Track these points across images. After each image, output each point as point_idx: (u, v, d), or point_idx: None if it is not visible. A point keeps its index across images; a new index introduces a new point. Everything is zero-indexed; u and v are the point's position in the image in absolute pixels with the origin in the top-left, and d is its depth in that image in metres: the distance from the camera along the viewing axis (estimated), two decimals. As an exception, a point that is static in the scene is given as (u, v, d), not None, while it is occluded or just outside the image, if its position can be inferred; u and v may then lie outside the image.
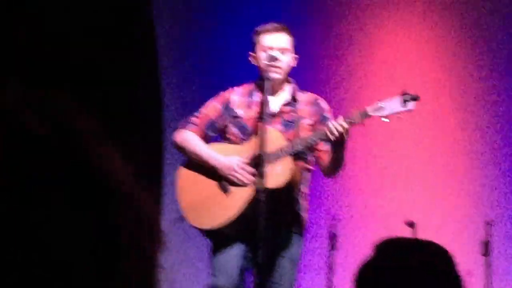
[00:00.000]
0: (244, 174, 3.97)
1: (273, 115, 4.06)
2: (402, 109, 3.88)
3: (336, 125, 3.81)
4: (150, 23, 5.90)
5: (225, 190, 4.03)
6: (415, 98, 3.87)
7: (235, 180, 3.98)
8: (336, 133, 3.81)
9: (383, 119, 3.89)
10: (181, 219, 4.09)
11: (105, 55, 5.33)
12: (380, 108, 3.89)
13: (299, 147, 3.95)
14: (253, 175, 3.96)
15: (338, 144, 3.90)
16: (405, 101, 3.86)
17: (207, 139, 4.16)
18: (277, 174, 3.90)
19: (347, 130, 3.82)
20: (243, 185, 3.98)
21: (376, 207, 5.68)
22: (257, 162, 3.92)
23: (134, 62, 5.64)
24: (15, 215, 0.88)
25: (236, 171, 3.98)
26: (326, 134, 3.84)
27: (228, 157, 4.02)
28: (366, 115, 3.87)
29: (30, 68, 5.07)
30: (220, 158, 4.02)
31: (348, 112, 3.93)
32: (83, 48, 5.22)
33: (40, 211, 0.87)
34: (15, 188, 0.87)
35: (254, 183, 3.92)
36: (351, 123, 3.85)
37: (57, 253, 0.88)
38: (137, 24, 5.77)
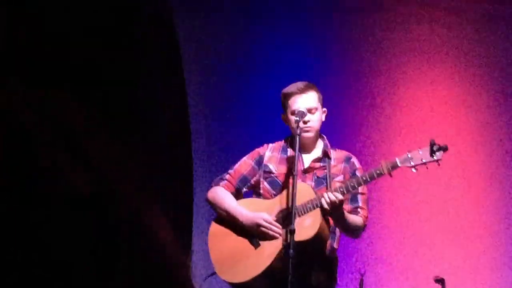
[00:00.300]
0: (271, 228, 4.01)
1: (305, 172, 4.12)
2: (431, 159, 3.90)
3: (330, 195, 3.88)
4: (179, 66, 5.92)
5: (255, 246, 4.06)
6: (443, 149, 3.90)
7: (263, 234, 4.02)
8: (327, 203, 3.88)
9: (412, 169, 3.93)
10: (213, 274, 4.14)
11: (105, 55, 5.32)
12: (409, 159, 3.93)
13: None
14: (280, 229, 4.00)
15: (335, 215, 3.96)
16: (433, 151, 3.89)
17: (240, 195, 4.22)
18: (306, 227, 3.93)
19: (341, 201, 3.89)
20: (271, 239, 4.01)
21: (404, 263, 5.61)
22: (286, 216, 3.99)
23: (134, 62, 5.63)
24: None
25: (263, 226, 4.02)
26: (320, 203, 3.91)
27: (256, 213, 4.06)
28: (395, 166, 3.91)
29: (30, 68, 5.09)
30: (248, 214, 4.08)
31: (373, 165, 3.98)
32: (83, 48, 5.22)
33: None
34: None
35: (282, 237, 3.97)
36: (379, 175, 3.91)
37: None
38: (137, 24, 5.76)
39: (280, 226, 4.00)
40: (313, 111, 4.12)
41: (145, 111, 5.71)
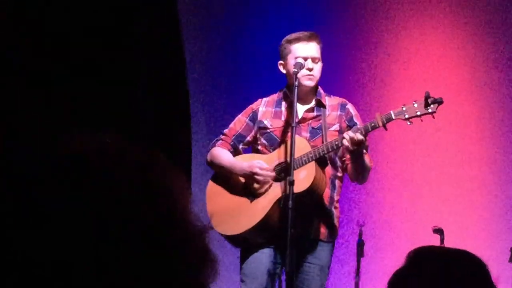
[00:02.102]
0: (265, 173, 4.04)
1: (299, 122, 4.13)
2: (425, 111, 3.93)
3: (352, 135, 3.86)
4: (177, 31, 5.91)
5: (251, 200, 4.09)
6: (438, 101, 3.92)
7: (257, 180, 4.06)
8: (350, 145, 3.86)
9: (407, 122, 3.95)
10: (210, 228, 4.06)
11: (105, 55, 5.34)
12: (403, 112, 3.95)
13: (321, 153, 3.99)
14: (273, 175, 4.04)
15: (355, 154, 3.96)
16: (428, 104, 3.91)
17: (238, 152, 4.26)
18: (301, 179, 3.93)
19: (362, 141, 3.87)
20: (266, 189, 4.04)
21: (403, 214, 5.66)
22: (283, 169, 4.02)
23: (134, 62, 5.66)
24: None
25: (257, 173, 4.05)
26: (342, 142, 3.90)
27: (251, 161, 4.10)
28: (389, 119, 3.92)
29: (31, 68, 5.09)
30: (243, 164, 4.11)
31: (371, 117, 4.00)
32: (83, 48, 5.23)
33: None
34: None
35: (280, 189, 4.00)
36: (374, 128, 3.91)
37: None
38: (137, 24, 5.77)
39: (274, 173, 4.03)
40: (316, 60, 4.14)
41: (145, 111, 5.73)
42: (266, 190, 4.05)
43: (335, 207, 4.16)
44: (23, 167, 0.88)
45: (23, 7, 5.16)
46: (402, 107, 3.94)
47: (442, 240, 4.55)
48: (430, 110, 3.90)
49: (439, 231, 4.59)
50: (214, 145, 4.28)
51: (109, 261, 0.85)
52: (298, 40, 4.14)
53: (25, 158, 0.89)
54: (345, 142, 3.85)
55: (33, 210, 0.85)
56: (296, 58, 4.10)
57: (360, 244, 4.63)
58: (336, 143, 3.93)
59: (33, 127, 4.80)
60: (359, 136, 3.84)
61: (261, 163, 4.07)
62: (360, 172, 4.07)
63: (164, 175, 0.94)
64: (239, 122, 4.27)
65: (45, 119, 4.92)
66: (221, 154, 4.21)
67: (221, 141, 4.26)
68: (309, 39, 4.14)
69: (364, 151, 4.03)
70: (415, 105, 3.93)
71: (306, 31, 4.19)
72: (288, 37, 4.19)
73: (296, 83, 4.00)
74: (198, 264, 0.94)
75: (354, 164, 4.04)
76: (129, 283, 0.86)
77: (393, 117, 3.92)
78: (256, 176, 4.05)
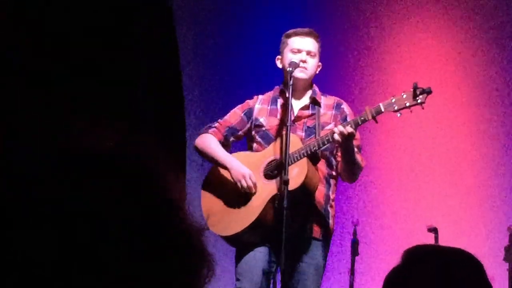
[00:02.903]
0: (250, 184, 4.01)
1: (294, 121, 4.12)
2: (414, 102, 3.89)
3: (342, 129, 3.83)
4: (171, 28, 5.92)
5: (244, 198, 4.06)
6: (427, 91, 3.88)
7: (240, 187, 4.03)
8: (340, 138, 3.84)
9: (397, 114, 3.92)
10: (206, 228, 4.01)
11: (105, 55, 5.33)
12: (393, 104, 3.91)
13: (313, 149, 3.96)
14: (269, 175, 4.04)
15: (346, 149, 3.94)
16: (417, 94, 3.87)
17: (228, 144, 4.23)
18: (294, 177, 3.90)
19: (352, 133, 3.86)
20: (248, 192, 4.02)
21: (397, 213, 5.65)
22: (276, 167, 4.00)
23: (134, 62, 5.64)
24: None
25: (245, 181, 4.02)
26: (332, 136, 3.87)
27: (244, 167, 4.06)
28: (379, 111, 3.89)
29: (31, 68, 5.05)
30: (236, 163, 4.08)
31: (361, 110, 3.97)
32: (83, 48, 5.21)
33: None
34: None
35: (273, 187, 3.98)
36: (364, 121, 3.88)
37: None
38: (137, 24, 5.76)
39: (254, 190, 4.01)
40: (312, 54, 4.13)
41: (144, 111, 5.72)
42: (256, 190, 4.03)
43: (331, 206, 4.13)
44: (23, 167, 0.88)
45: (23, 7, 5.14)
46: (391, 99, 3.91)
47: (436, 239, 4.54)
48: (419, 101, 3.87)
49: (433, 230, 4.58)
50: (206, 131, 4.23)
51: (109, 261, 0.85)
52: (295, 34, 4.17)
53: (25, 158, 0.89)
54: (336, 136, 3.83)
55: (33, 210, 0.85)
56: (291, 50, 4.11)
57: (355, 243, 4.63)
58: (327, 138, 3.91)
59: (33, 127, 4.80)
60: (349, 129, 3.82)
61: (252, 175, 4.03)
62: (350, 169, 4.03)
63: (163, 175, 0.95)
64: (234, 115, 4.24)
65: (45, 119, 4.92)
66: (213, 143, 4.17)
67: (215, 129, 4.21)
68: (306, 34, 4.16)
69: (356, 150, 4.02)
70: (404, 96, 3.89)
71: (306, 28, 4.22)
72: (288, 31, 4.22)
73: (291, 82, 3.99)
74: (196, 264, 0.95)
75: (345, 160, 4.00)
76: (129, 283, 0.86)
77: (382, 110, 3.89)
78: (243, 182, 4.02)
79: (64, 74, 5.09)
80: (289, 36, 4.18)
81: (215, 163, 4.16)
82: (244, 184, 4.00)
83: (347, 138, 3.85)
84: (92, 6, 5.33)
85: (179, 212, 0.94)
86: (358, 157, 4.04)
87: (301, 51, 4.11)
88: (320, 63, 4.21)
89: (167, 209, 0.93)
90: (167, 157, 1.00)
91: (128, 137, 1.01)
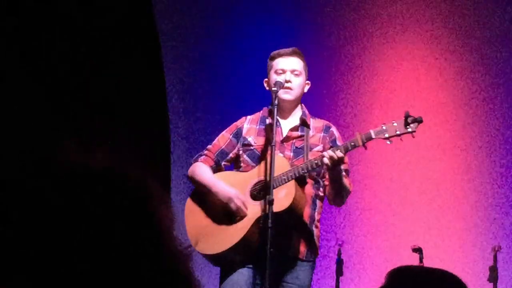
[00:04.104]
0: (241, 206, 4.02)
1: (283, 141, 4.14)
2: (405, 130, 3.90)
3: (332, 154, 3.85)
4: (155, 39, 5.93)
5: (229, 218, 4.06)
6: (418, 120, 3.90)
7: (232, 209, 4.04)
8: (330, 162, 3.85)
9: (387, 141, 3.93)
10: (189, 246, 4.01)
11: (105, 55, 5.35)
12: (383, 131, 3.93)
13: (301, 171, 3.98)
14: (255, 196, 4.04)
15: (334, 173, 3.96)
16: (408, 123, 3.89)
17: (221, 169, 4.24)
18: (281, 198, 3.92)
19: (342, 158, 3.88)
20: (240, 215, 4.03)
21: (381, 233, 5.67)
22: (262, 188, 4.01)
23: (134, 62, 5.63)
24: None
25: (234, 203, 4.02)
26: (322, 160, 3.88)
27: (231, 188, 4.07)
28: (369, 138, 3.92)
29: (32, 68, 5.12)
30: (222, 186, 4.09)
31: (351, 136, 4.00)
32: (83, 48, 5.26)
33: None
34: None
35: (259, 208, 3.98)
36: (354, 147, 3.90)
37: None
38: (137, 24, 5.78)
39: (246, 211, 4.01)
40: (296, 73, 4.15)
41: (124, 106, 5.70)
42: (244, 214, 4.02)
43: (316, 226, 4.13)
44: (23, 170, 0.90)
45: (23, 7, 5.18)
46: (382, 126, 3.93)
47: (421, 259, 4.55)
48: (410, 129, 3.89)
49: (418, 250, 4.59)
50: (197, 160, 4.25)
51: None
52: (279, 55, 4.19)
53: (25, 163, 0.91)
54: (325, 160, 3.84)
55: (32, 212, 0.87)
56: (276, 71, 4.13)
57: (339, 263, 4.64)
58: (316, 162, 3.92)
59: (33, 127, 4.81)
60: (339, 154, 3.84)
61: (240, 195, 4.04)
62: (338, 193, 4.04)
63: (150, 196, 0.96)
64: (223, 138, 4.25)
65: (45, 119, 4.94)
66: (202, 171, 4.18)
67: (204, 156, 4.23)
68: (290, 54, 4.19)
69: (344, 173, 4.03)
70: (395, 124, 3.92)
71: (290, 48, 4.24)
72: (272, 53, 4.24)
73: (276, 101, 4.01)
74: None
75: (333, 184, 4.02)
76: None
77: (373, 136, 3.91)
78: (232, 204, 4.02)
79: (64, 74, 5.16)
80: (273, 58, 4.21)
81: (204, 189, 4.15)
82: (234, 207, 4.01)
83: (337, 163, 3.87)
84: (93, 6, 5.45)
85: (167, 237, 0.95)
86: (346, 181, 4.05)
87: (285, 71, 4.13)
88: (308, 81, 4.22)
89: (154, 233, 0.93)
90: (151, 175, 0.99)
91: (114, 156, 1.01)
